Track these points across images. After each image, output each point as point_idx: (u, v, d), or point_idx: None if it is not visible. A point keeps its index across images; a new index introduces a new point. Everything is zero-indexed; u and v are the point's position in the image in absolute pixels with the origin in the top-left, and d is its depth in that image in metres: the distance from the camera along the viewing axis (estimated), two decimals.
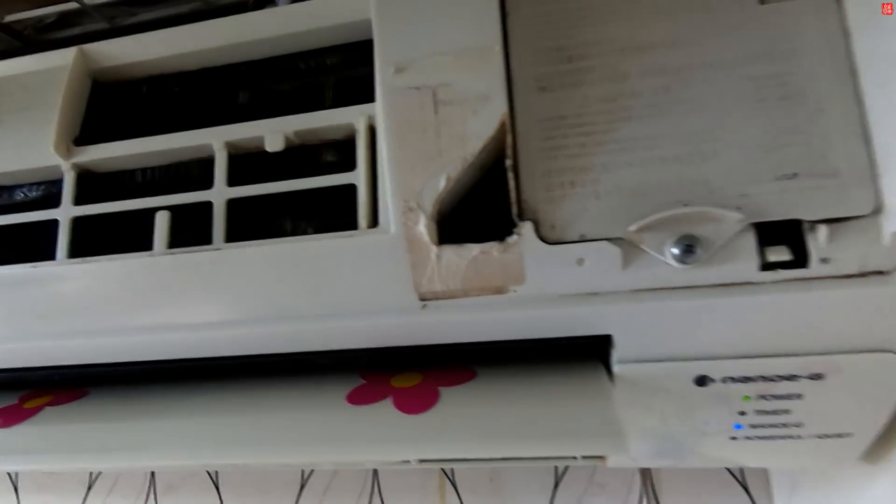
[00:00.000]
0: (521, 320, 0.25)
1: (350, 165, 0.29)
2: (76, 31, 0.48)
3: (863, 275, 0.22)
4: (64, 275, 0.30)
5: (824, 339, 0.23)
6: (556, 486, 0.49)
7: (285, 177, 0.30)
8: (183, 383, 0.30)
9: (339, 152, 0.30)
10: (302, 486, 0.53)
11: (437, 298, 0.25)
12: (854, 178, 0.22)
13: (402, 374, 0.28)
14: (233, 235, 0.29)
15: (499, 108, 0.23)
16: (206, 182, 0.30)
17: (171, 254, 0.28)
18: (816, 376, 0.24)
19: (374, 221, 0.27)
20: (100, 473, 0.57)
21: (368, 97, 0.28)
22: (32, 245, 0.34)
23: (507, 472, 0.50)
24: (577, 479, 0.49)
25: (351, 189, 0.28)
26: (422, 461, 0.28)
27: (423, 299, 0.25)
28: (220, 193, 0.29)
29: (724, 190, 0.23)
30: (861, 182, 0.22)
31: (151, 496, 0.56)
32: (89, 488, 0.57)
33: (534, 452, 0.21)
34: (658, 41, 0.25)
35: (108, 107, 0.34)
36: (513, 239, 0.24)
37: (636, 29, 0.25)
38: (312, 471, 0.53)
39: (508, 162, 0.24)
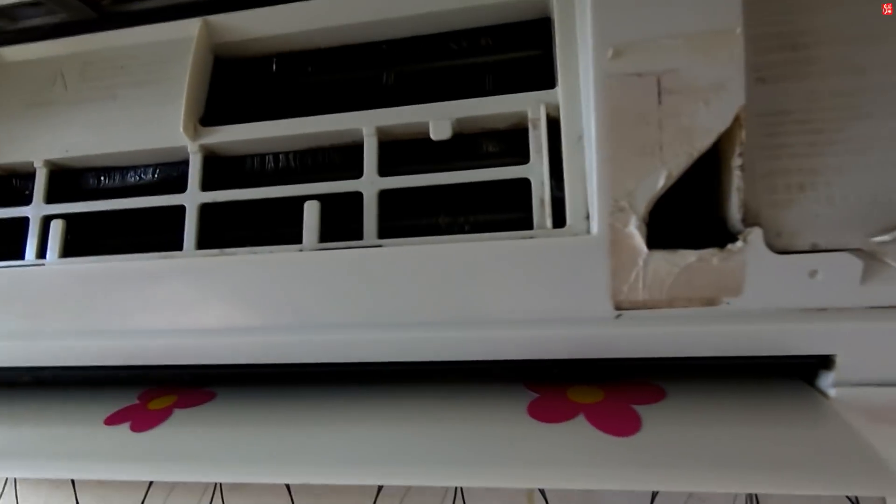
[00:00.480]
0: (731, 335, 0.23)
1: (512, 156, 0.27)
2: (160, 3, 0.45)
3: None
4: (196, 267, 0.27)
5: None
6: (653, 498, 0.47)
7: (437, 168, 0.27)
8: (328, 388, 0.28)
9: (502, 142, 0.28)
10: (379, 489, 0.51)
11: (635, 308, 0.23)
12: None
13: (577, 386, 0.25)
14: (387, 227, 0.27)
15: (736, 100, 0.21)
16: (348, 171, 0.28)
17: (324, 249, 0.26)
18: None
19: (560, 221, 0.24)
20: None
21: (535, 83, 0.26)
22: (135, 233, 0.31)
23: (598, 490, 0.48)
24: (674, 495, 0.47)
25: (513, 183, 0.26)
26: None
27: (618, 308, 0.23)
28: (371, 184, 0.27)
29: None
30: None
31: (218, 494, 0.54)
32: (151, 482, 0.55)
33: (785, 489, 0.19)
34: (892, 29, 0.22)
35: (232, 85, 0.31)
36: (736, 246, 0.22)
37: (866, 15, 0.23)
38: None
39: (739, 161, 0.21)
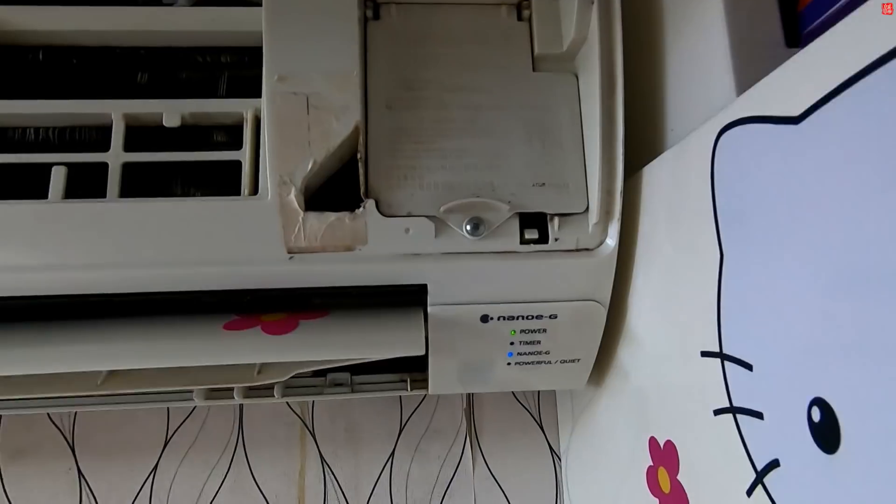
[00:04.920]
0: (363, 271, 0.34)
1: (237, 146, 0.36)
2: None
3: (578, 250, 0.36)
4: None
5: (557, 291, 0.36)
6: (400, 432, 0.59)
7: (178, 148, 0.36)
8: (77, 320, 0.34)
9: (228, 134, 0.37)
10: (166, 443, 0.56)
11: (301, 252, 0.34)
12: (575, 190, 0.35)
13: (272, 313, 0.35)
14: (127, 191, 0.34)
15: (354, 117, 0.33)
16: (103, 145, 0.35)
17: (66, 203, 0.33)
18: (553, 316, 0.37)
19: (254, 191, 0.34)
20: None
21: (256, 92, 0.36)
22: None
23: (360, 423, 0.59)
24: (417, 426, 0.59)
25: (236, 166, 0.35)
26: (283, 389, 0.36)
27: (290, 252, 0.34)
28: (116, 157, 0.35)
29: (502, 190, 0.35)
30: (579, 192, 0.35)
31: None
32: None
33: (359, 356, 0.31)
34: (468, 85, 0.36)
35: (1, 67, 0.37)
36: (360, 211, 0.33)
37: (455, 75, 0.36)
38: (178, 427, 0.57)
39: (359, 155, 0.33)
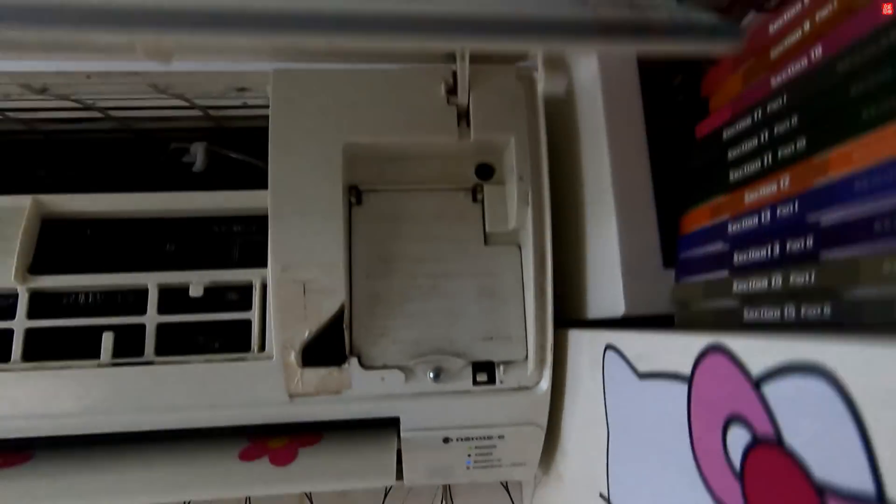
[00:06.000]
0: (348, 409, 0.44)
1: (247, 302, 0.46)
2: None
3: (519, 389, 0.45)
4: (20, 376, 0.41)
5: (504, 419, 0.46)
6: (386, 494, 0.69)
7: (199, 308, 0.45)
8: (122, 449, 0.44)
9: (240, 293, 0.46)
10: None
11: (300, 395, 0.43)
12: (517, 341, 0.45)
13: (276, 437, 0.45)
14: (161, 346, 0.44)
15: (340, 297, 0.42)
16: (140, 307, 0.44)
17: (114, 364, 0.42)
18: (501, 437, 0.47)
19: (262, 347, 0.44)
20: None
21: (262, 258, 0.45)
22: None
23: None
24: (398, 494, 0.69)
25: (247, 322, 0.45)
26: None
27: (291, 396, 0.43)
28: (151, 319, 0.44)
29: (458, 344, 0.44)
30: (520, 343, 0.45)
31: None
32: None
33: (339, 487, 0.40)
34: (431, 257, 0.45)
35: (58, 240, 0.46)
36: (346, 366, 0.43)
37: (420, 248, 0.46)
38: None
39: (345, 325, 0.43)
